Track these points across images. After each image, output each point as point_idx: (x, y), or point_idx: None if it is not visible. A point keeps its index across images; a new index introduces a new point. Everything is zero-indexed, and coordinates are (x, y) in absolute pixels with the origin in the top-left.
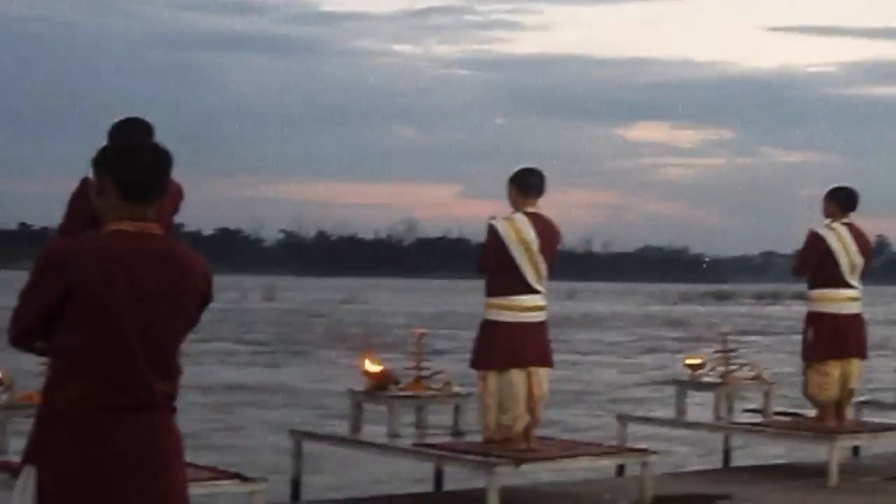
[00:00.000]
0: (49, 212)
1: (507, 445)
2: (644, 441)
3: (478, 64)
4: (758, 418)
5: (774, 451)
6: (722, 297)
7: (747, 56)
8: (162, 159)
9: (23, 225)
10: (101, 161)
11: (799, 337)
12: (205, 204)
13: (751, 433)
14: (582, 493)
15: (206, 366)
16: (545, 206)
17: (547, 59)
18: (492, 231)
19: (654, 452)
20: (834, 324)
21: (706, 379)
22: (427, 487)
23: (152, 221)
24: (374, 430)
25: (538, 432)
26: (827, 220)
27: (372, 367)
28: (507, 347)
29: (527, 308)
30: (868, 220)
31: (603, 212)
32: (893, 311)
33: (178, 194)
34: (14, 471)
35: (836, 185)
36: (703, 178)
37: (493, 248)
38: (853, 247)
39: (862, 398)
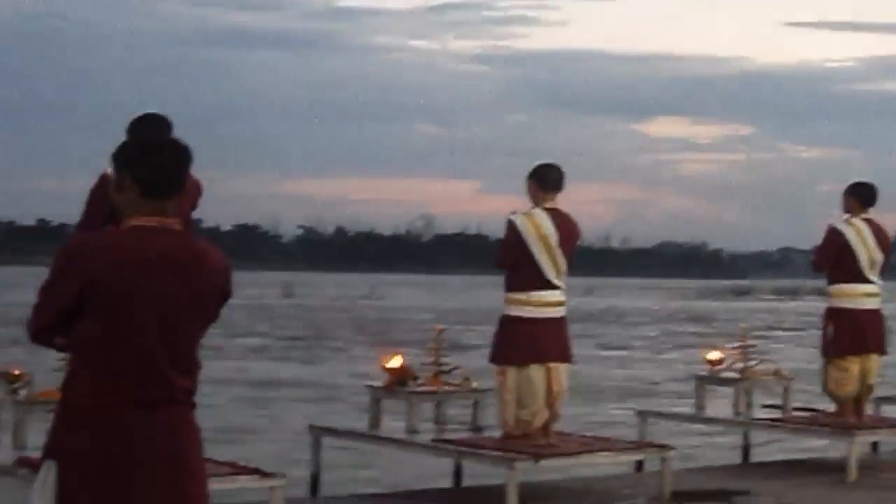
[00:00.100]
0: (67, 208)
1: (527, 441)
2: (664, 437)
3: (495, 59)
4: (777, 414)
5: (793, 447)
6: (741, 293)
7: (766, 51)
8: (181, 155)
9: (41, 221)
10: (121, 157)
11: (818, 332)
12: (223, 200)
13: (770, 428)
14: (601, 489)
15: (238, 360)
16: (563, 201)
17: (565, 55)
18: (510, 226)
19: (673, 448)
20: (853, 319)
21: (725, 374)
22: (446, 483)
23: (172, 217)
24: (393, 426)
25: (557, 427)
26: (846, 216)
27: (391, 362)
28: (526, 343)
29: (546, 303)
30: (887, 216)
31: (621, 207)
32: None
33: (196, 190)
34: (34, 466)
35: (855, 180)
36: (722, 174)
37: (511, 244)
38: (872, 242)
39: (881, 394)
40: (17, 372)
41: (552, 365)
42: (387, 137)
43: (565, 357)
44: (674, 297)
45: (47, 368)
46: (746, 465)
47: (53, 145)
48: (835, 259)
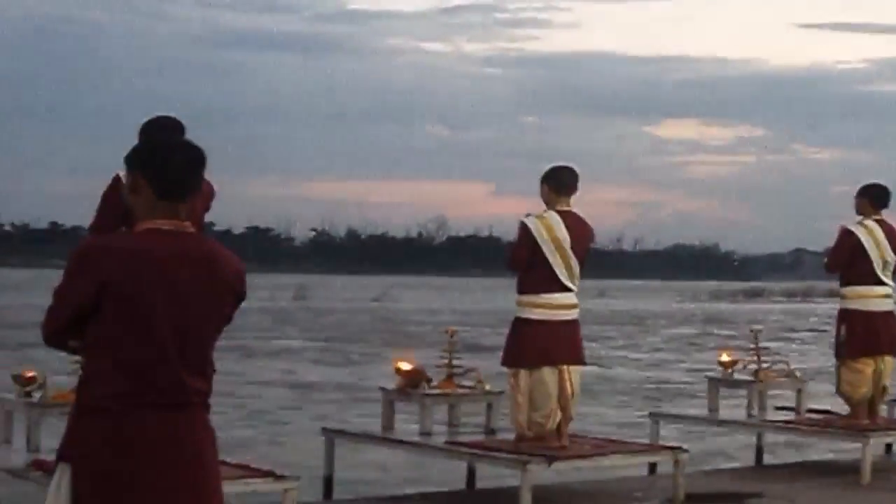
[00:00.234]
0: (79, 210)
1: (540, 443)
2: (677, 439)
3: (507, 62)
4: (790, 416)
5: (807, 449)
6: (753, 295)
7: (778, 53)
8: (195, 157)
9: (53, 224)
10: (135, 159)
11: (831, 334)
12: (235, 202)
13: (783, 430)
14: (614, 492)
15: (264, 361)
16: (574, 203)
17: (577, 57)
18: (523, 228)
19: (686, 450)
20: (866, 321)
21: (739, 376)
22: (459, 485)
23: (185, 219)
24: (406, 428)
25: (571, 429)
26: (859, 218)
27: (404, 364)
28: (538, 345)
29: (559, 306)
30: None
31: (633, 209)
32: None
33: (209, 193)
34: (48, 469)
35: (867, 181)
36: (734, 176)
37: (524, 246)
38: (885, 243)
39: (895, 395)
40: (30, 374)
41: (565, 367)
42: (399, 140)
43: (578, 359)
44: (686, 299)
45: (61, 371)
46: (760, 468)
47: (65, 148)
48: (848, 261)
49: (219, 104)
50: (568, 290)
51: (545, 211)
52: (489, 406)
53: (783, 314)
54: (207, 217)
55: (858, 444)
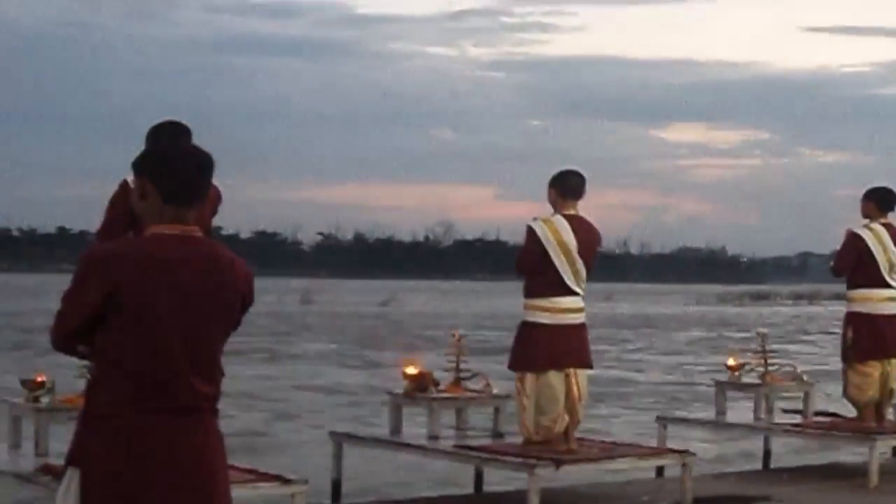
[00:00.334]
0: (87, 215)
1: (547, 447)
2: (684, 442)
3: (513, 66)
4: (797, 419)
5: (814, 452)
6: (759, 298)
7: (783, 57)
8: (203, 163)
9: (61, 229)
10: (143, 164)
11: (837, 337)
12: (242, 207)
13: (790, 434)
14: (622, 495)
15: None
16: (581, 207)
17: (582, 61)
18: (530, 232)
19: (694, 454)
20: (873, 324)
21: (746, 380)
22: (467, 489)
23: (193, 224)
24: (413, 432)
25: (578, 433)
26: (865, 221)
27: (411, 368)
28: (545, 349)
29: (565, 310)
30: None
31: (639, 213)
32: None
33: (216, 197)
34: (57, 474)
35: (873, 185)
36: (740, 179)
37: (531, 250)
38: (891, 246)
39: None
40: (39, 379)
41: (572, 371)
42: (406, 144)
43: (585, 363)
44: (692, 303)
45: (69, 375)
46: (767, 471)
47: (74, 153)
48: (854, 264)
49: (226, 109)
50: (575, 293)
51: (552, 215)
52: (496, 410)
53: (790, 317)
54: (214, 221)
55: (865, 448)
